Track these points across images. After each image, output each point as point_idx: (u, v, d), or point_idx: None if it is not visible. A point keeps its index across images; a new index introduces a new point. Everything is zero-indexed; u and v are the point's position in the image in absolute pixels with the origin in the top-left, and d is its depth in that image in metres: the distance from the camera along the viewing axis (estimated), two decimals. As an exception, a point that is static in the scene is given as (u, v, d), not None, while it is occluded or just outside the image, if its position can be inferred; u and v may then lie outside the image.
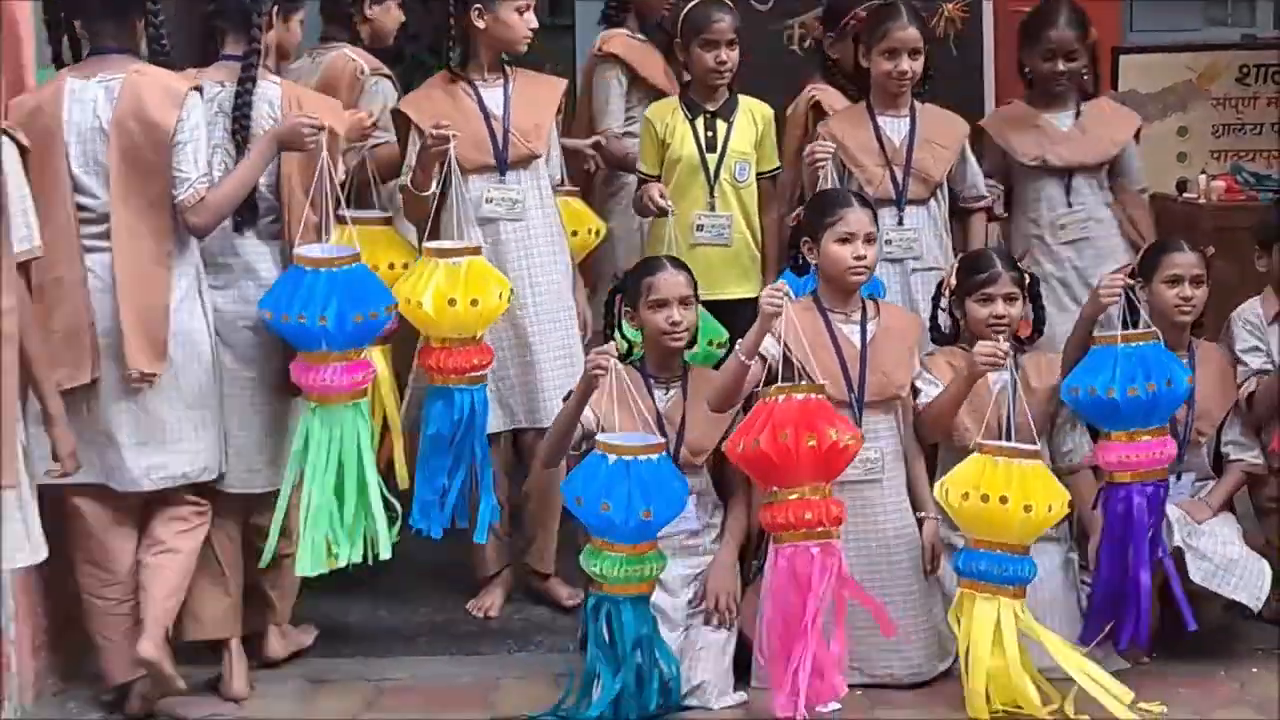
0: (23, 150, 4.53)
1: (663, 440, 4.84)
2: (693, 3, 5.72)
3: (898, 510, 5.07)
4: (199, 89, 4.88)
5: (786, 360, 4.83)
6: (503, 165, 5.51)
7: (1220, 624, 5.29)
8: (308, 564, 4.91)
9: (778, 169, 5.80)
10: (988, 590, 4.76)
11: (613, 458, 4.70)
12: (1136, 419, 4.95)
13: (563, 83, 5.78)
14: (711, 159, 5.69)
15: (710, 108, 5.72)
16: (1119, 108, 6.14)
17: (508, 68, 5.62)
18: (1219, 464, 5.44)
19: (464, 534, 5.34)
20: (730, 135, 5.69)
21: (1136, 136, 6.01)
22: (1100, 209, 5.83)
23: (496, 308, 5.13)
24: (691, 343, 5.20)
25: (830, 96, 5.86)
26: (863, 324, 5.08)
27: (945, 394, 5.06)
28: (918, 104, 5.63)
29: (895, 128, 5.58)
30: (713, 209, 5.71)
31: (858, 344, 5.05)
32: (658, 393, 5.13)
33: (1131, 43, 7.76)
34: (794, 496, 4.67)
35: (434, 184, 5.32)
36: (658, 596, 4.92)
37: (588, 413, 4.91)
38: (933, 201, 5.60)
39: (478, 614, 5.62)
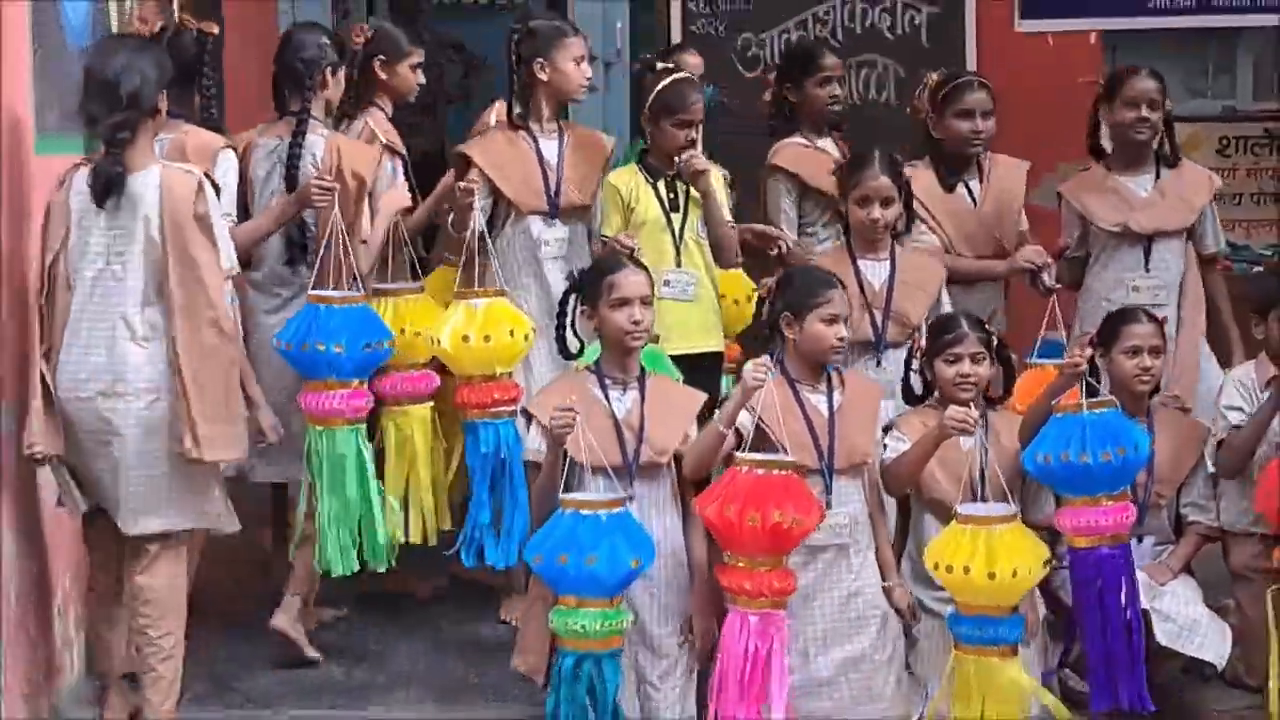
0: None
1: (627, 495, 4.89)
2: (667, 81, 5.87)
3: (866, 571, 5.14)
4: (233, 147, 5.60)
5: (759, 429, 4.94)
6: (554, 210, 5.85)
7: (1180, 686, 5.40)
8: (331, 563, 5.40)
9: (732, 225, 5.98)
10: (979, 652, 4.82)
11: (585, 512, 4.76)
12: (1103, 484, 5.05)
13: (611, 141, 6.13)
14: (676, 219, 5.88)
15: (670, 173, 5.89)
16: (1196, 169, 6.20)
17: (563, 122, 5.99)
18: (1179, 526, 5.55)
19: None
20: (690, 194, 5.87)
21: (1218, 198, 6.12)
22: (1176, 276, 5.95)
23: (509, 345, 5.42)
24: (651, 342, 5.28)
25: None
26: (829, 394, 5.19)
27: (913, 450, 5.15)
28: (897, 247, 5.77)
29: (875, 271, 5.70)
30: (679, 265, 5.89)
31: (825, 413, 5.15)
32: (613, 393, 5.13)
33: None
34: (741, 564, 4.79)
35: (471, 226, 5.57)
36: (649, 630, 5.01)
37: (744, 416, 4.97)
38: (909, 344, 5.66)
39: (514, 621, 5.77)
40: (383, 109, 6.14)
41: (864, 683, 5.08)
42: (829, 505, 5.01)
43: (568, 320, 5.21)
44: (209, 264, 5.03)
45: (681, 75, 5.98)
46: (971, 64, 7.83)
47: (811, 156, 6.28)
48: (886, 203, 5.64)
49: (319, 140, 5.75)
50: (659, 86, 5.88)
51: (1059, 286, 5.77)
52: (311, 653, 5.77)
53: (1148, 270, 5.94)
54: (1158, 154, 6.04)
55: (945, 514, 5.05)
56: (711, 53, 7.92)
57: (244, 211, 5.77)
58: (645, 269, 5.24)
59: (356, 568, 5.43)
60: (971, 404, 5.18)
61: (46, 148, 5.23)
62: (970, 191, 6.09)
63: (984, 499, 5.07)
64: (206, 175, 5.17)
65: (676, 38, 8.10)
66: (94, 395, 4.99)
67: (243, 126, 6.03)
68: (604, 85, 8.48)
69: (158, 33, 5.75)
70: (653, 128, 5.92)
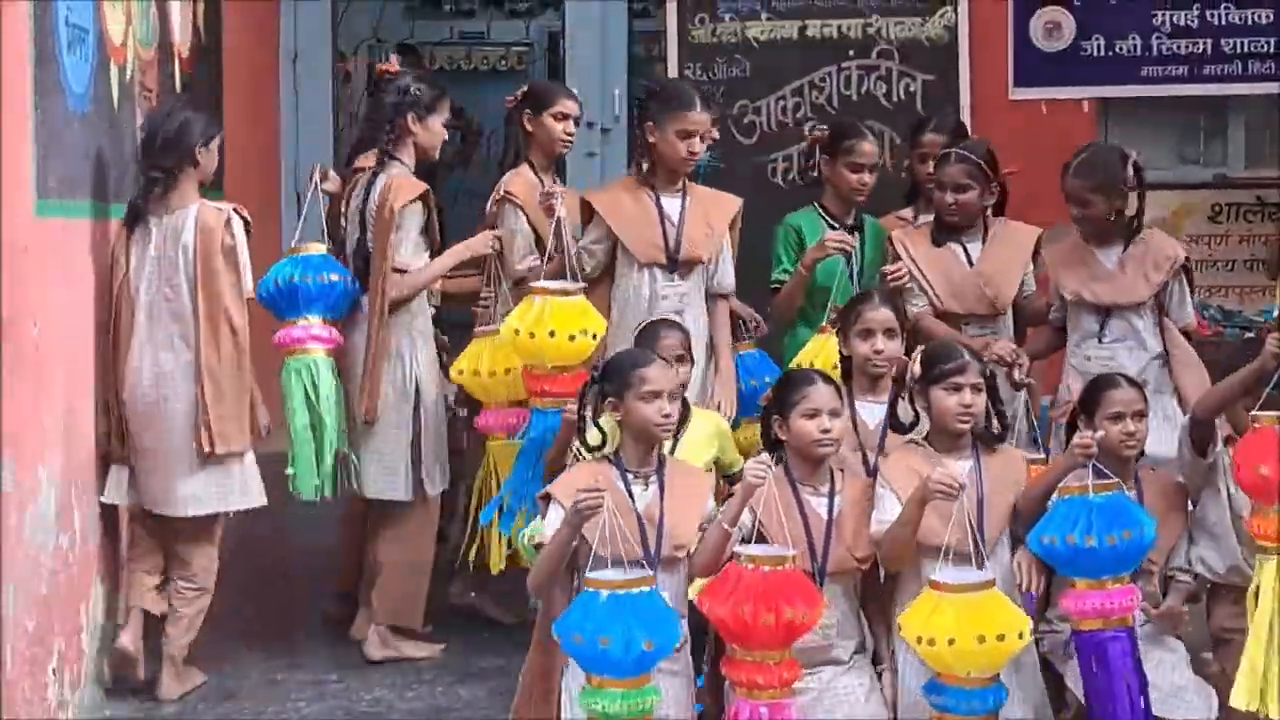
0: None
1: (651, 574, 4.83)
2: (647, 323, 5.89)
3: (854, 670, 5.16)
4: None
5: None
6: (673, 264, 6.03)
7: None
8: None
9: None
10: (957, 723, 4.85)
11: (604, 593, 4.73)
12: (1109, 567, 5.04)
13: (738, 201, 6.26)
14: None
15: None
16: (1165, 243, 6.16)
17: (687, 182, 6.20)
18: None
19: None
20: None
21: (1188, 273, 6.09)
22: (1136, 345, 5.98)
23: (555, 343, 5.76)
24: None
25: None
26: (830, 496, 5.20)
27: (899, 523, 5.11)
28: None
29: (871, 413, 5.62)
30: None
31: (824, 516, 5.16)
32: (636, 488, 5.11)
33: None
34: (750, 659, 4.79)
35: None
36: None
37: (746, 515, 4.98)
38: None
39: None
40: (404, 163, 6.28)
41: None
42: None
43: (588, 413, 5.21)
44: (232, 286, 5.84)
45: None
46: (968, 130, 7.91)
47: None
48: (890, 333, 5.59)
49: (382, 178, 6.23)
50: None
51: (1030, 382, 5.84)
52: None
53: (1100, 341, 5.99)
54: (1127, 226, 6.05)
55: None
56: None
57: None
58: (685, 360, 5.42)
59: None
60: (958, 455, 5.22)
61: (46, 211, 5.30)
62: (966, 251, 6.15)
63: (983, 539, 5.05)
64: (236, 210, 5.88)
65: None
66: (154, 399, 5.81)
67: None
68: (602, 151, 8.61)
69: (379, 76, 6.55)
70: (829, 171, 6.36)
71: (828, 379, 5.28)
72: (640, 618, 4.70)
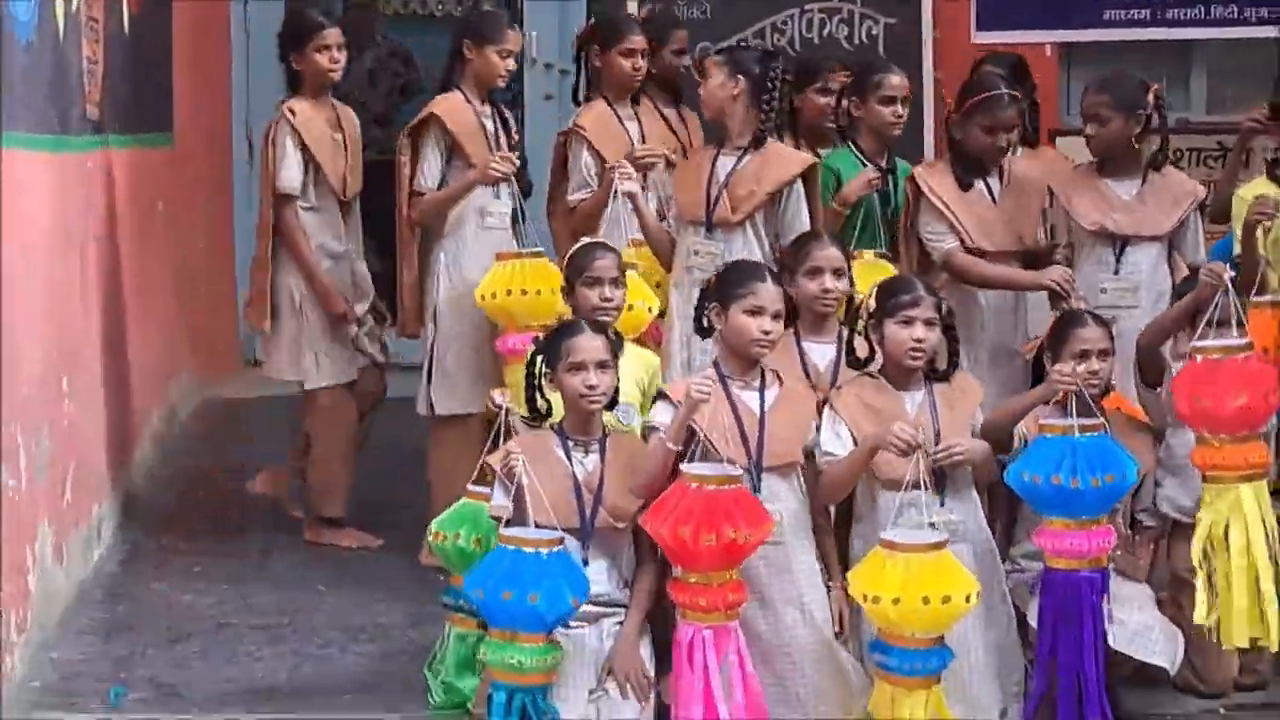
0: None
1: (561, 535, 4.86)
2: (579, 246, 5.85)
3: (802, 572, 5.10)
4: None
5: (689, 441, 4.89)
6: (709, 223, 5.98)
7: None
8: None
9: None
10: (901, 683, 4.76)
11: (528, 550, 4.76)
12: (1090, 508, 4.99)
13: (806, 159, 6.12)
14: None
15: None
16: (1184, 179, 6.15)
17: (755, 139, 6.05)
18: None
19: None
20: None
21: (1202, 209, 6.09)
22: (1150, 280, 5.92)
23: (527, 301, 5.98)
24: (611, 405, 5.29)
25: None
26: (761, 391, 5.16)
27: (847, 464, 5.09)
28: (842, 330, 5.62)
29: (819, 353, 5.54)
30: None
31: (757, 411, 5.12)
32: (576, 456, 5.16)
33: (1068, 125, 7.92)
34: (694, 580, 4.76)
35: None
36: (570, 668, 4.97)
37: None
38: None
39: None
40: (465, 94, 6.53)
41: (813, 686, 5.05)
42: None
43: (535, 382, 5.21)
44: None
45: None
46: (929, 74, 7.86)
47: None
48: (837, 273, 5.50)
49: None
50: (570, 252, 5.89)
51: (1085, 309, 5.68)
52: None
53: (1117, 274, 5.92)
54: (1146, 160, 6.01)
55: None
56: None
57: None
58: (604, 330, 5.23)
59: None
60: (911, 389, 5.18)
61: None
62: (989, 189, 6.04)
63: (938, 475, 5.02)
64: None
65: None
66: None
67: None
68: (559, 92, 8.51)
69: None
70: (862, 110, 6.39)
71: (776, 280, 5.21)
72: (567, 575, 4.74)
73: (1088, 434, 5.00)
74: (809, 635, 5.08)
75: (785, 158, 6.09)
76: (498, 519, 5.03)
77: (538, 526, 4.89)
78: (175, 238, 8.02)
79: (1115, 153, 5.99)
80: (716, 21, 8.19)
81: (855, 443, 5.11)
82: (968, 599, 4.74)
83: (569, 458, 5.15)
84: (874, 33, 8.15)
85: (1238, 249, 5.82)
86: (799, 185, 6.06)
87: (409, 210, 6.56)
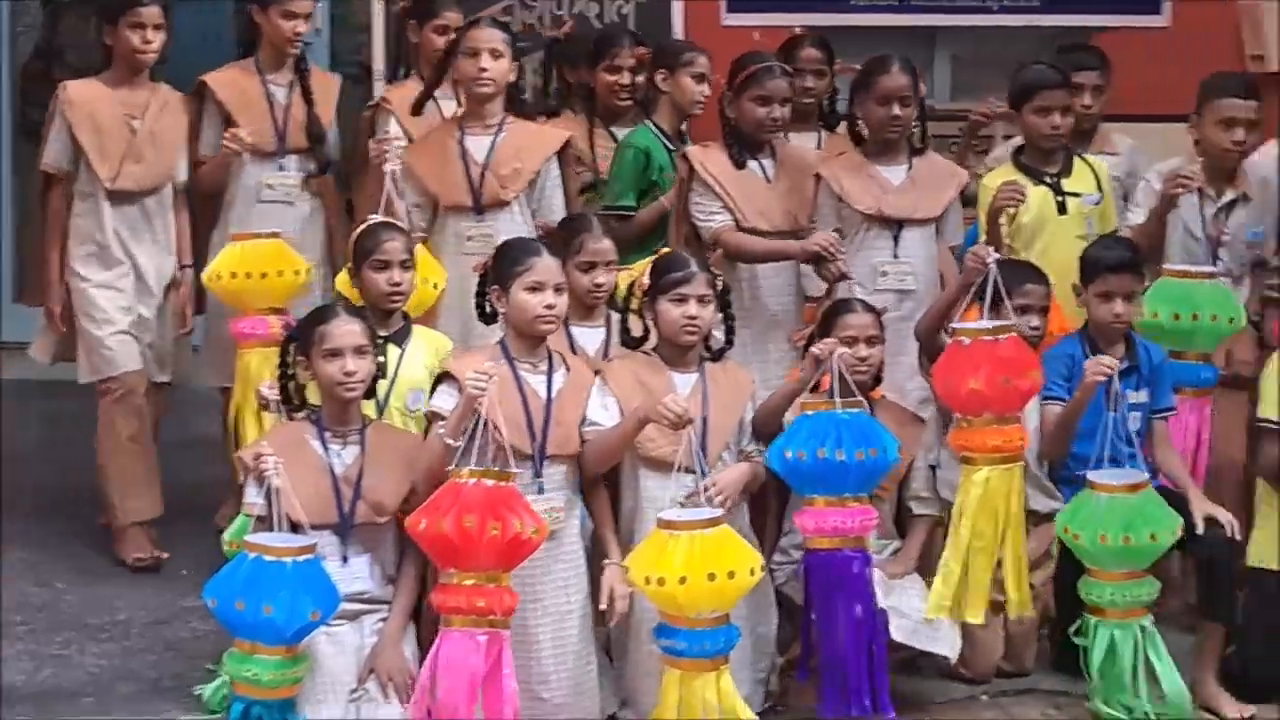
0: None
1: (314, 542, 4.70)
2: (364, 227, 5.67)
3: (571, 560, 5.04)
4: None
5: (472, 434, 4.74)
6: (478, 205, 5.87)
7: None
8: None
9: None
10: (691, 666, 4.69)
11: (270, 558, 4.58)
12: (852, 484, 4.99)
13: (562, 135, 6.16)
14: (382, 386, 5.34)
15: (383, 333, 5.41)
16: (946, 163, 6.22)
17: (506, 117, 6.03)
18: (899, 520, 5.56)
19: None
20: (401, 363, 5.46)
21: (962, 194, 6.12)
22: (924, 263, 5.93)
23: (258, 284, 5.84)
24: (369, 394, 5.12)
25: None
26: (549, 374, 5.05)
27: (615, 433, 5.01)
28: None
29: (588, 338, 5.49)
30: None
31: (544, 395, 5.01)
32: (333, 448, 5.00)
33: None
34: (470, 582, 4.62)
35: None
36: (331, 667, 4.84)
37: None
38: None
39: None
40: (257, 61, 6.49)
41: (574, 678, 5.00)
42: (540, 490, 4.91)
43: (288, 370, 5.04)
44: None
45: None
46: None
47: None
48: (609, 266, 5.42)
49: None
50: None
51: (850, 275, 5.71)
52: None
53: (896, 256, 5.92)
54: (910, 143, 6.04)
55: (667, 469, 4.94)
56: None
57: None
58: (362, 315, 5.07)
59: None
60: (684, 369, 5.13)
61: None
62: (763, 169, 5.98)
63: (705, 454, 4.95)
64: None
65: (377, 21, 7.87)
66: None
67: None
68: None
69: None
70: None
71: (554, 251, 5.09)
72: (308, 587, 4.58)
73: (850, 410, 4.99)
74: (572, 623, 5.01)
75: (542, 134, 6.10)
76: (253, 517, 4.82)
77: (293, 527, 4.70)
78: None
79: (902, 134, 5.99)
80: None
81: (623, 415, 5.03)
82: (752, 572, 4.68)
83: (326, 450, 4.98)
84: (624, 11, 8.05)
85: (983, 237, 5.92)
86: (555, 161, 6.05)
87: (191, 181, 6.46)
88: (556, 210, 6.06)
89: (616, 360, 5.20)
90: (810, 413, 5.02)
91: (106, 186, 6.32)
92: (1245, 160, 6.16)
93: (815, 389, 5.13)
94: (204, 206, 6.49)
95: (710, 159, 5.94)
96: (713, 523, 4.70)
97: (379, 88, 7.13)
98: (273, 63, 6.52)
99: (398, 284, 5.41)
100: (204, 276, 6.06)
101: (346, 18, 9.02)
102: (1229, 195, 6.11)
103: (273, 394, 5.21)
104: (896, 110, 5.90)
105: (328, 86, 6.71)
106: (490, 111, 6.01)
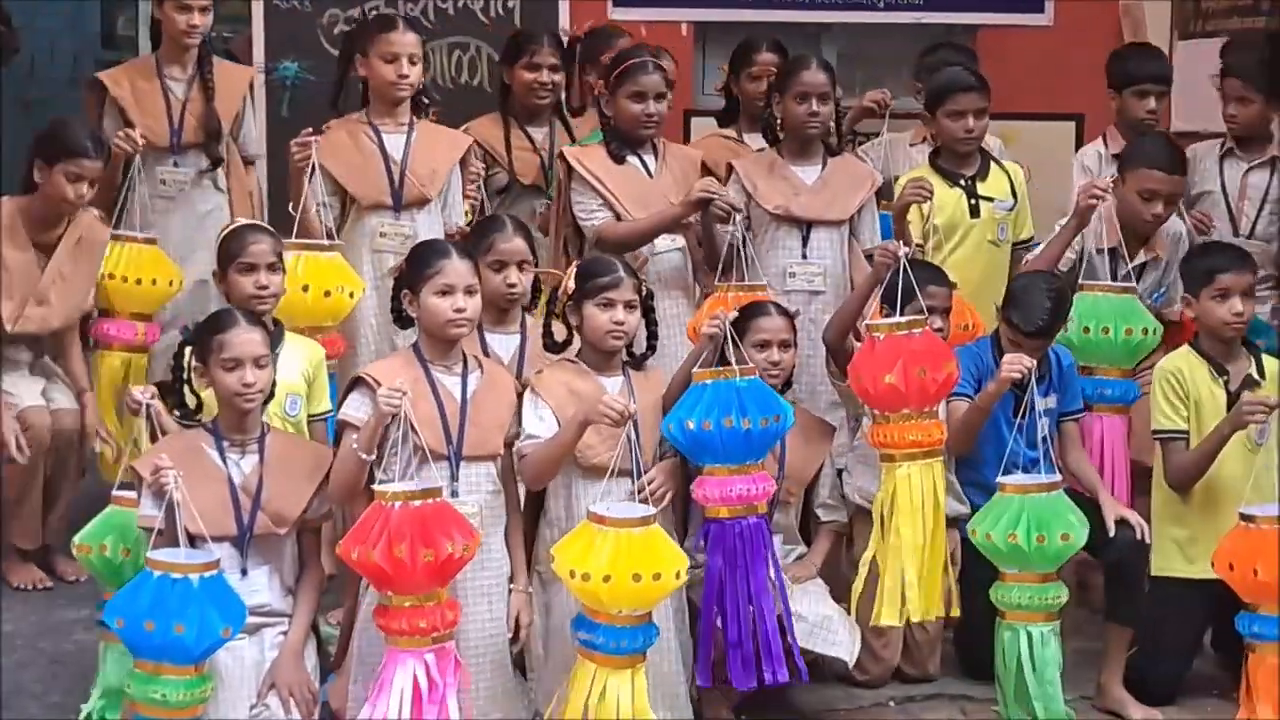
0: None
1: (217, 558, 4.57)
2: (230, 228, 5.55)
3: (493, 564, 4.91)
4: None
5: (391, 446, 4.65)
6: (398, 204, 5.80)
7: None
8: None
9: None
10: (607, 662, 4.60)
11: (176, 575, 4.45)
12: (754, 451, 4.94)
13: (468, 140, 6.14)
14: None
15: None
16: (860, 165, 6.22)
17: (414, 118, 5.97)
18: (804, 528, 5.52)
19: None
20: (276, 369, 5.12)
21: (878, 196, 6.10)
22: (834, 264, 5.91)
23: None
24: (267, 402, 4.99)
25: None
26: (464, 376, 4.94)
27: (555, 442, 4.92)
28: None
29: (502, 344, 5.37)
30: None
31: (458, 397, 4.91)
32: (232, 457, 4.87)
33: (702, 105, 7.87)
34: (408, 604, 4.50)
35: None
36: (231, 682, 4.71)
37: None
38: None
39: None
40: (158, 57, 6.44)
41: (494, 685, 4.89)
42: (455, 494, 4.78)
43: (183, 377, 4.90)
44: None
45: None
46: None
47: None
48: (522, 266, 5.31)
49: None
50: None
51: (740, 210, 5.66)
52: None
53: (804, 257, 5.90)
54: (826, 144, 6.02)
55: (602, 475, 4.85)
56: (296, 26, 7.70)
57: None
58: (261, 323, 4.95)
59: None
60: (609, 373, 5.07)
61: None
62: (645, 165, 5.92)
63: (638, 461, 4.89)
64: None
65: (258, 10, 7.75)
66: None
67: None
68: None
69: None
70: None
71: (465, 253, 4.98)
72: (217, 603, 4.46)
73: (747, 378, 4.96)
74: (493, 630, 4.91)
75: (449, 134, 6.07)
76: (148, 530, 4.67)
77: (190, 539, 4.58)
78: None
79: (800, 132, 5.96)
80: (352, -13, 7.87)
81: (559, 425, 4.95)
82: (677, 575, 4.61)
83: (224, 460, 4.86)
84: (510, 5, 7.96)
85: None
86: (458, 166, 6.04)
87: None
88: (458, 215, 6.02)
89: (545, 371, 5.10)
90: (707, 382, 4.95)
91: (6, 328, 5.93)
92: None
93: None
94: (106, 202, 6.23)
95: (588, 156, 5.89)
96: (643, 522, 4.62)
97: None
98: (171, 57, 6.40)
99: (264, 286, 5.29)
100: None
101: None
102: (1142, 257, 6.07)
103: (145, 397, 5.02)
104: (815, 107, 5.88)
105: (236, 78, 6.57)
106: (402, 111, 5.94)
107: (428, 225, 5.86)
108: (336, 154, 5.84)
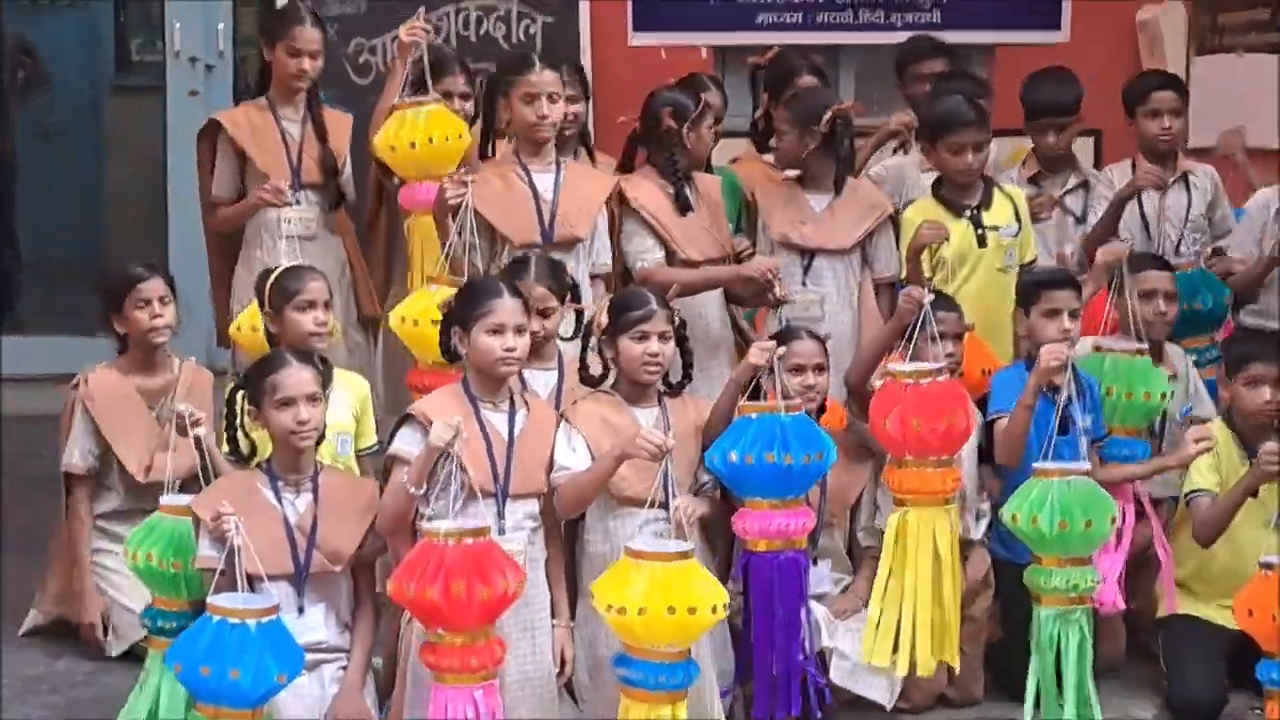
0: None
1: (276, 603, 4.59)
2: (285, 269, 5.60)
3: (536, 600, 4.94)
4: None
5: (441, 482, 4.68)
6: (548, 242, 5.69)
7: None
8: None
9: None
10: (646, 698, 4.62)
11: (234, 621, 4.47)
12: (795, 487, 4.99)
13: (614, 181, 5.95)
14: None
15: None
16: (873, 193, 6.20)
17: (561, 158, 5.89)
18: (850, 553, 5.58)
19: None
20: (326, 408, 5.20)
21: (895, 224, 6.09)
22: (835, 293, 5.95)
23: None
24: (319, 440, 5.03)
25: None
26: (510, 414, 4.98)
27: (591, 474, 4.94)
28: None
29: (537, 380, 5.38)
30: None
31: (506, 435, 4.94)
32: (286, 497, 4.93)
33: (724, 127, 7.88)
34: (460, 641, 4.52)
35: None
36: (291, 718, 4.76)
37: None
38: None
39: None
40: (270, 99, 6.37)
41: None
42: (502, 531, 4.81)
43: (236, 420, 4.95)
44: None
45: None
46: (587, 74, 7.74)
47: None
48: (545, 314, 5.30)
49: None
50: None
51: (793, 299, 5.74)
52: None
53: (804, 284, 5.94)
54: (839, 173, 6.04)
55: (639, 507, 4.91)
56: (322, 57, 7.70)
57: None
58: (313, 361, 5.00)
59: None
60: (645, 405, 5.09)
61: None
62: (687, 198, 5.92)
63: (671, 491, 4.87)
64: None
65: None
66: None
67: None
68: (205, 88, 8.14)
69: None
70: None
71: (515, 292, 5.00)
72: (274, 650, 4.48)
73: (792, 413, 5.00)
74: (535, 669, 4.93)
75: (597, 175, 6.06)
76: (208, 570, 4.73)
77: (249, 580, 4.62)
78: None
79: (802, 166, 5.99)
80: (370, 17, 7.91)
81: (593, 457, 4.98)
82: (714, 610, 4.61)
83: (279, 499, 4.91)
84: (531, 31, 8.02)
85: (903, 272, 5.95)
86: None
87: (206, 220, 6.35)
88: (606, 255, 5.92)
89: (580, 402, 5.13)
90: (753, 415, 4.99)
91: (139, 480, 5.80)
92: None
93: (756, 395, 5.10)
94: (221, 244, 6.33)
95: (644, 194, 5.85)
96: (680, 556, 4.63)
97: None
98: (283, 99, 6.39)
99: (323, 323, 5.37)
100: (377, 143, 5.95)
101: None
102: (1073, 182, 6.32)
103: (195, 424, 5.05)
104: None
105: (341, 124, 6.56)
106: (548, 150, 5.85)
107: (573, 266, 5.71)
108: (487, 195, 5.69)
